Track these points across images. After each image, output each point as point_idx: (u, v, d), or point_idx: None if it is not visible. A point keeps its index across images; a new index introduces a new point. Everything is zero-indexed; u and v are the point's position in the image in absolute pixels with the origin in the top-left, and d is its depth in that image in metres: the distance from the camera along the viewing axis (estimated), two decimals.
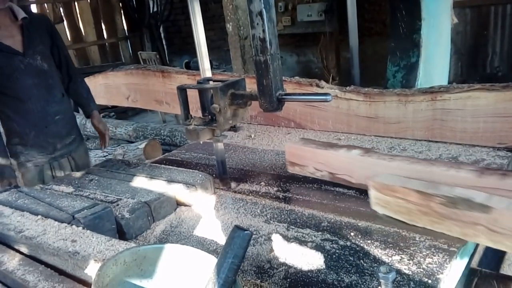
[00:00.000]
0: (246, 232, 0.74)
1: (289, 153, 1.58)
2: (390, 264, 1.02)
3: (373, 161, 1.34)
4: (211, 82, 1.53)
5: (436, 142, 1.66)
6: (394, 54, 2.46)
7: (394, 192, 1.19)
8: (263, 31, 1.22)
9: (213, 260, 0.79)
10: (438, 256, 1.03)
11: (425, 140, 1.68)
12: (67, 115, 2.24)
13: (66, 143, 2.22)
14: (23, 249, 1.13)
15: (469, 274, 1.42)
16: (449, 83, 2.41)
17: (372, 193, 1.25)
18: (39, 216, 1.23)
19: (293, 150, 1.57)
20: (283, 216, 1.29)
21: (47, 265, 1.04)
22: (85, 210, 1.22)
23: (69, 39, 7.80)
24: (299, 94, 1.80)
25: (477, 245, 1.39)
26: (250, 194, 1.47)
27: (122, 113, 7.01)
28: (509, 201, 1.03)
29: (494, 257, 1.95)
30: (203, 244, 1.19)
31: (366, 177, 1.31)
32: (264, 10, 1.20)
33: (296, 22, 6.05)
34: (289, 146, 1.59)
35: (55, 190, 1.47)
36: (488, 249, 1.94)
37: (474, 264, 1.85)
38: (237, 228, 0.75)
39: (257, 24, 1.22)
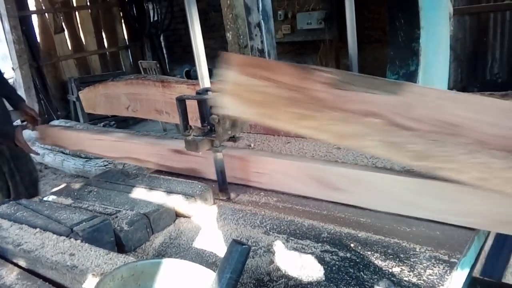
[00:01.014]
0: (244, 246, 0.73)
1: None
2: (390, 276, 1.01)
3: None
4: (209, 93, 1.53)
5: None
6: (393, 62, 2.45)
7: (261, 70, 0.88)
8: (262, 42, 1.22)
9: (211, 275, 0.78)
10: (439, 267, 1.02)
11: None
12: None
13: None
14: (21, 263, 1.13)
15: (471, 284, 1.41)
16: (449, 90, 2.41)
17: (226, 74, 0.94)
18: (38, 229, 1.22)
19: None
20: (282, 227, 1.29)
21: (45, 279, 1.04)
22: (84, 223, 1.21)
23: (70, 48, 7.85)
24: None
25: (479, 254, 1.39)
26: (250, 205, 1.47)
27: (123, 121, 7.03)
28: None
29: (496, 265, 1.94)
30: (202, 256, 1.19)
31: None
32: (262, 21, 1.21)
33: (295, 30, 6.08)
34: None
35: (54, 202, 1.47)
36: (490, 258, 1.93)
37: (477, 273, 1.84)
38: (235, 242, 0.74)
39: (256, 35, 1.23)
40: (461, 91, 1.62)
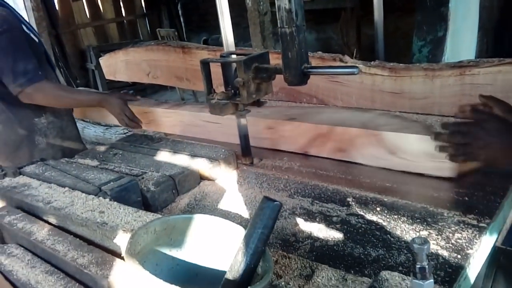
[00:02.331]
0: (275, 203, 0.73)
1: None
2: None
3: None
4: (234, 56, 1.51)
5: None
6: (420, 28, 2.38)
7: None
8: (289, 1, 1.19)
9: (242, 231, 0.79)
10: (467, 231, 1.01)
11: (452, 116, 1.63)
12: None
13: None
14: (52, 220, 1.15)
15: (494, 253, 1.40)
16: (475, 58, 2.33)
17: None
18: (67, 188, 1.25)
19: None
20: (307, 191, 1.29)
21: (75, 235, 1.06)
22: (112, 183, 1.23)
23: (88, 16, 7.82)
24: (325, 67, 1.76)
25: (502, 224, 1.37)
26: (273, 169, 1.47)
27: (141, 91, 7.02)
28: None
29: None
30: (227, 217, 1.18)
31: None
32: None
33: None
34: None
35: (81, 163, 1.49)
36: None
37: (498, 243, 1.82)
38: (267, 199, 0.74)
39: None
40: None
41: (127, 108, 1.95)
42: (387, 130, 1.36)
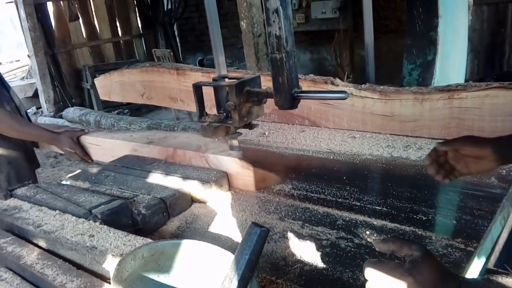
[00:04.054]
0: (263, 229, 0.74)
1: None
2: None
3: None
4: (226, 80, 1.53)
5: None
6: (410, 52, 2.43)
7: None
8: (279, 28, 1.22)
9: (229, 256, 0.80)
10: (455, 255, 1.02)
11: (441, 139, 1.66)
12: None
13: None
14: (42, 243, 1.15)
15: (486, 275, 1.40)
16: (465, 81, 2.38)
17: None
18: (57, 211, 1.25)
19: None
20: (297, 214, 1.29)
21: (65, 259, 1.06)
22: (102, 206, 1.23)
23: (84, 36, 7.89)
24: (315, 92, 1.79)
25: (494, 245, 1.38)
26: (264, 192, 1.48)
27: (136, 110, 7.08)
28: None
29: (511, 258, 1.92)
30: (218, 241, 1.20)
31: None
32: (280, 7, 1.20)
33: (310, 19, 6.04)
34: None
35: (72, 186, 1.49)
36: (504, 250, 1.91)
37: (490, 265, 1.82)
38: (254, 224, 0.75)
39: (273, 21, 1.22)
40: (478, 82, 1.60)
41: (78, 147, 2.04)
42: (210, 153, 1.59)
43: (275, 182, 1.52)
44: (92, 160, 2.10)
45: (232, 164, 1.52)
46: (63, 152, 2.11)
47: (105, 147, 1.98)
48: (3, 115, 1.90)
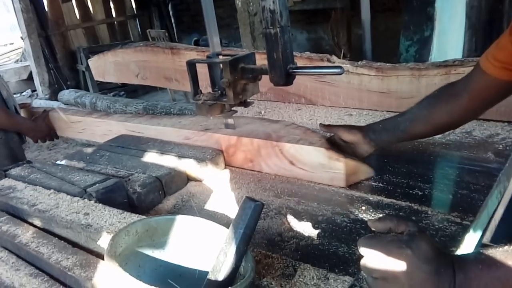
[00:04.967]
0: (257, 203, 0.74)
1: None
2: None
3: None
4: (220, 57, 1.51)
5: None
6: (407, 28, 2.40)
7: None
8: (274, 2, 1.19)
9: (224, 231, 0.79)
10: (451, 229, 1.02)
11: None
12: None
13: None
14: (37, 222, 1.15)
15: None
16: (463, 58, 2.35)
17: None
18: (52, 190, 1.24)
19: None
20: (293, 190, 1.29)
21: (60, 237, 1.06)
22: (97, 184, 1.23)
23: (78, 17, 7.79)
24: (310, 67, 1.77)
25: (490, 220, 1.38)
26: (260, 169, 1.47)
27: (132, 92, 7.03)
28: None
29: (507, 233, 1.93)
30: (214, 218, 1.18)
31: None
32: None
33: None
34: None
35: (67, 166, 1.48)
36: (500, 225, 1.92)
37: (486, 240, 1.84)
38: (248, 199, 0.74)
39: None
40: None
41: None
42: (285, 141, 1.37)
43: (367, 174, 1.31)
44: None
45: (316, 155, 1.29)
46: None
47: (150, 134, 1.75)
48: None
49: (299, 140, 1.36)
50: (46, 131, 2.24)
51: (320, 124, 1.37)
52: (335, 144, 1.31)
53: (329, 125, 1.37)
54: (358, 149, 1.28)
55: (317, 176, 1.31)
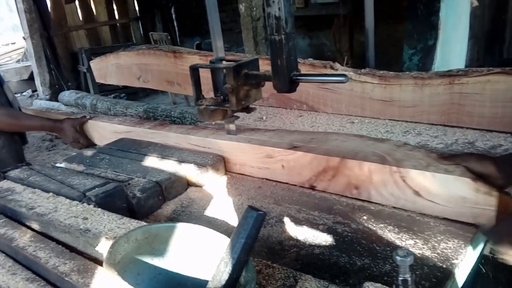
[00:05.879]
0: (259, 212, 0.72)
1: None
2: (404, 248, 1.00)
3: None
4: (224, 62, 1.50)
5: (453, 127, 1.61)
6: (411, 36, 2.40)
7: None
8: (279, 9, 1.19)
9: (225, 240, 0.78)
10: (453, 241, 1.01)
11: (441, 125, 1.64)
12: None
13: None
14: (34, 226, 1.13)
15: (481, 262, 1.40)
16: (466, 67, 2.35)
17: None
18: (51, 194, 1.23)
19: None
20: (294, 198, 1.28)
21: (58, 242, 1.04)
22: (97, 188, 1.22)
23: (81, 18, 7.80)
24: (314, 75, 1.76)
25: None
26: (261, 176, 1.46)
27: (133, 94, 7.03)
28: None
29: None
30: (213, 224, 1.18)
31: None
32: None
33: (309, 4, 5.97)
34: None
35: (66, 168, 1.47)
36: None
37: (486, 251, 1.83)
38: (251, 208, 0.73)
39: (273, 1, 1.19)
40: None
41: (81, 136, 1.99)
42: (409, 167, 1.14)
43: None
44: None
45: (457, 186, 1.07)
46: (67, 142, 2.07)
47: (219, 151, 1.51)
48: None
49: (427, 166, 1.13)
50: (70, 135, 2.01)
51: (438, 156, 1.18)
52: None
53: (451, 156, 1.16)
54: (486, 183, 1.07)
55: (453, 212, 1.10)
